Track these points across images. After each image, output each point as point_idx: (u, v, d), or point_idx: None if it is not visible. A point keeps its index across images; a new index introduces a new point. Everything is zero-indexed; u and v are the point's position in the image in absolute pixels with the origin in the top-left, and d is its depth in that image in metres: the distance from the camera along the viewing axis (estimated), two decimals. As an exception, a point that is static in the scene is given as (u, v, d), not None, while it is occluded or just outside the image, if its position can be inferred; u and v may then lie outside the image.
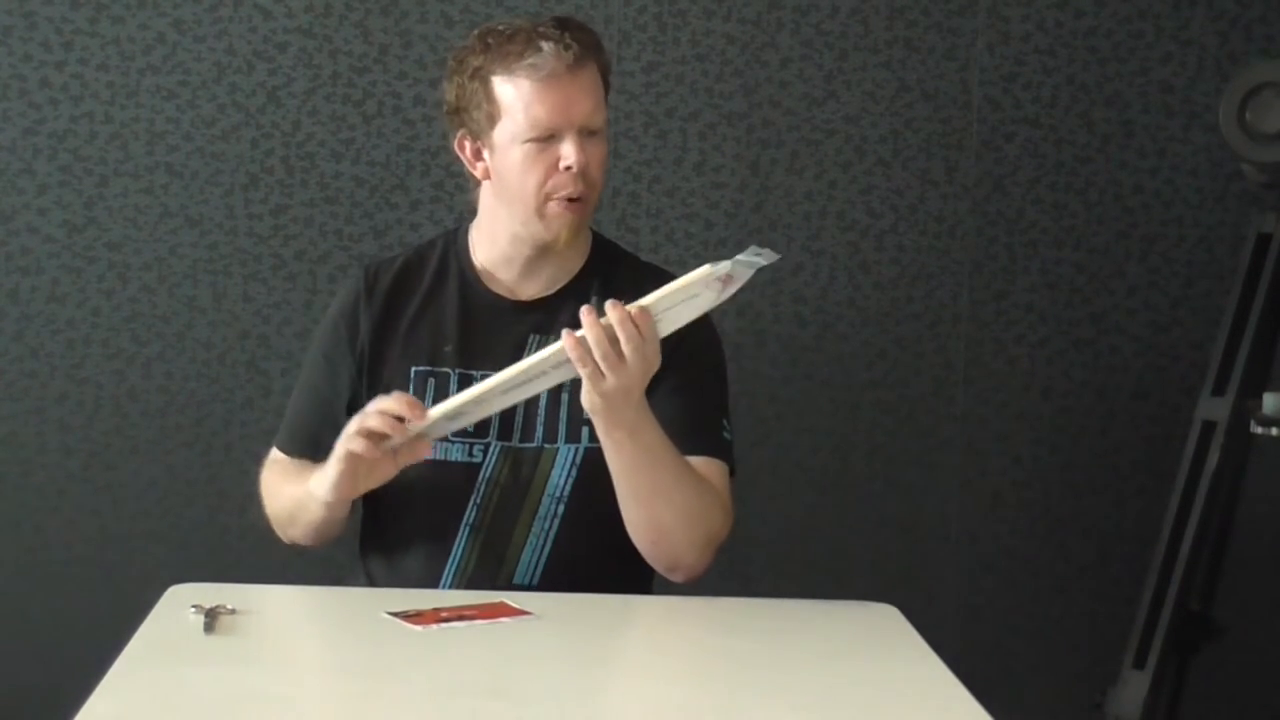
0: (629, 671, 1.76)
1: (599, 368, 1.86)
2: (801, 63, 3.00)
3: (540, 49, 2.03)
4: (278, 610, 1.96)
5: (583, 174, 2.05)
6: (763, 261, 1.88)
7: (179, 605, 1.89)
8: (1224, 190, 3.04)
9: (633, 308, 1.86)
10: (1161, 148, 3.04)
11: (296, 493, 2.11)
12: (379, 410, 1.94)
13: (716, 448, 2.10)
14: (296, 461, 2.19)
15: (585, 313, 1.87)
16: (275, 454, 2.24)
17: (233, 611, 1.86)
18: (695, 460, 2.06)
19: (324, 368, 2.19)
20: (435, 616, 1.88)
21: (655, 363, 1.89)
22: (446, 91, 2.14)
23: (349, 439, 1.96)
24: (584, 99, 2.05)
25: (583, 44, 2.06)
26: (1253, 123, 2.68)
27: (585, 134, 2.06)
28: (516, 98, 2.05)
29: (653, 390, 2.08)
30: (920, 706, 1.68)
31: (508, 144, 2.07)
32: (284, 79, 2.95)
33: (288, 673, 1.77)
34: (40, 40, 2.92)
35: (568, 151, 2.05)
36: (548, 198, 2.07)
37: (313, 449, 2.14)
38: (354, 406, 2.09)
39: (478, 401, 1.92)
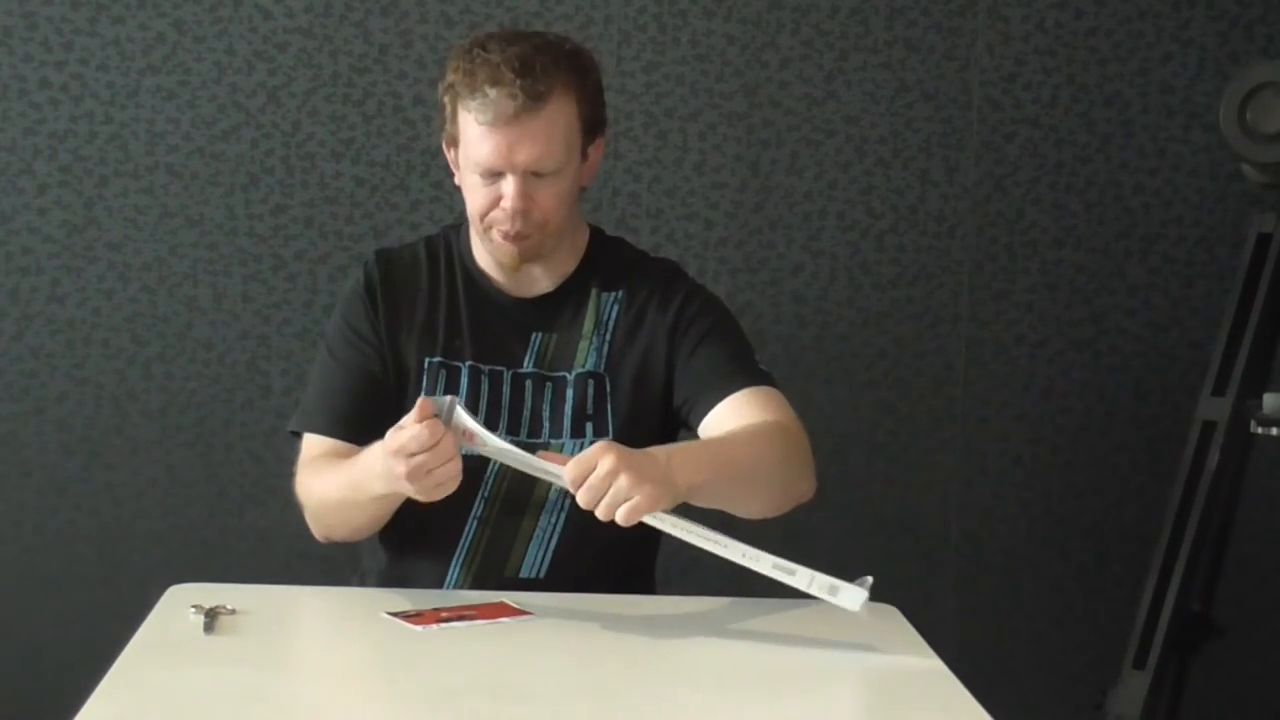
0: (629, 671, 1.76)
1: (608, 498, 1.82)
2: (802, 63, 3.00)
3: (487, 94, 2.03)
4: (278, 610, 1.96)
5: (522, 215, 2.06)
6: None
7: (179, 605, 1.89)
8: (1224, 190, 3.04)
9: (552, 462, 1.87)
10: (1162, 148, 3.04)
11: (349, 484, 2.05)
12: (427, 449, 1.86)
13: (758, 377, 2.12)
14: (341, 448, 2.11)
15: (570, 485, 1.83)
16: (315, 442, 2.14)
17: (233, 612, 1.86)
18: (744, 394, 2.08)
19: (357, 343, 2.15)
20: (435, 617, 1.88)
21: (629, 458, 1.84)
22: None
23: (422, 484, 1.88)
24: (529, 145, 2.04)
25: (535, 91, 2.02)
26: (1253, 123, 2.68)
27: (531, 176, 2.06)
28: (467, 132, 2.07)
29: (674, 362, 2.13)
30: (920, 706, 1.68)
31: (463, 167, 2.11)
32: (284, 79, 2.95)
33: (288, 673, 1.77)
34: (40, 40, 2.92)
35: (507, 191, 2.06)
36: (490, 226, 2.10)
37: (360, 428, 2.08)
38: (389, 384, 2.12)
39: (497, 452, 1.92)
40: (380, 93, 2.96)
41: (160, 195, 2.96)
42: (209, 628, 1.81)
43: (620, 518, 1.80)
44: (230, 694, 1.62)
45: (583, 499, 1.80)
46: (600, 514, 1.80)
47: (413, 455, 1.85)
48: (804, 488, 2.09)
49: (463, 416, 1.87)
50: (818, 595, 1.85)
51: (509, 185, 2.06)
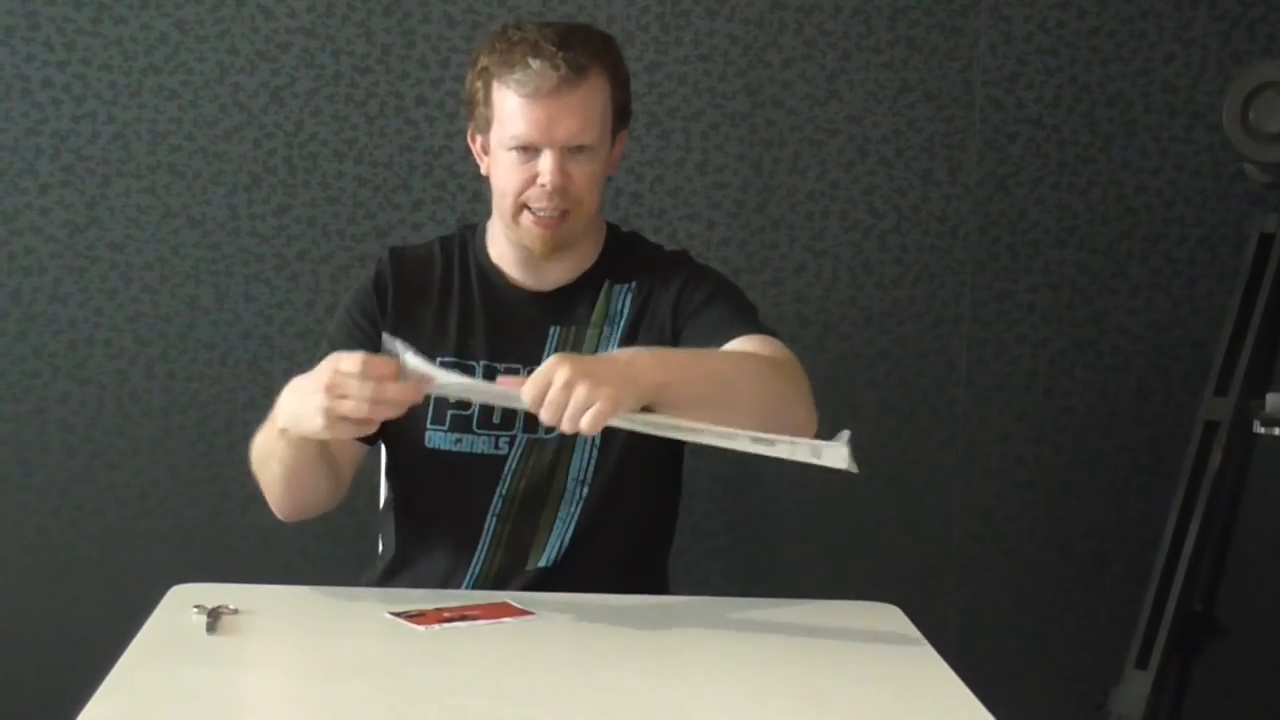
0: (630, 671, 1.76)
1: (569, 410, 1.76)
2: (804, 63, 3.00)
3: (529, 65, 2.04)
4: (280, 610, 1.96)
5: (560, 191, 2.06)
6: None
7: (181, 605, 1.89)
8: (1227, 190, 3.04)
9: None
10: (1164, 148, 3.04)
11: (267, 426, 2.00)
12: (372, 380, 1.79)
13: (758, 329, 2.09)
14: None
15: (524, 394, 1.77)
16: None
17: (235, 612, 1.86)
18: (740, 340, 2.05)
19: (356, 334, 2.15)
20: (437, 617, 1.88)
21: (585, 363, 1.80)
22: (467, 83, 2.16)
23: (338, 404, 1.79)
24: (569, 118, 2.05)
25: (576, 63, 2.04)
26: (1255, 123, 2.68)
27: (570, 150, 2.06)
28: (505, 108, 2.07)
29: (679, 338, 2.11)
30: (922, 706, 1.68)
31: (497, 148, 2.10)
32: (287, 79, 2.95)
33: (290, 673, 1.78)
34: (43, 40, 2.92)
35: (545, 168, 2.06)
36: (523, 207, 2.09)
37: None
38: None
39: (455, 387, 1.87)
40: (383, 93, 2.96)
41: (163, 195, 2.96)
42: (212, 628, 1.81)
43: (584, 427, 1.73)
44: (233, 694, 1.62)
45: (544, 416, 1.75)
46: (565, 428, 1.74)
47: (340, 370, 1.79)
48: (800, 416, 1.98)
49: (413, 360, 1.81)
50: (802, 460, 1.77)
51: (546, 161, 2.05)
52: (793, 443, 1.77)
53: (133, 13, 2.92)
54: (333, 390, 1.79)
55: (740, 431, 1.78)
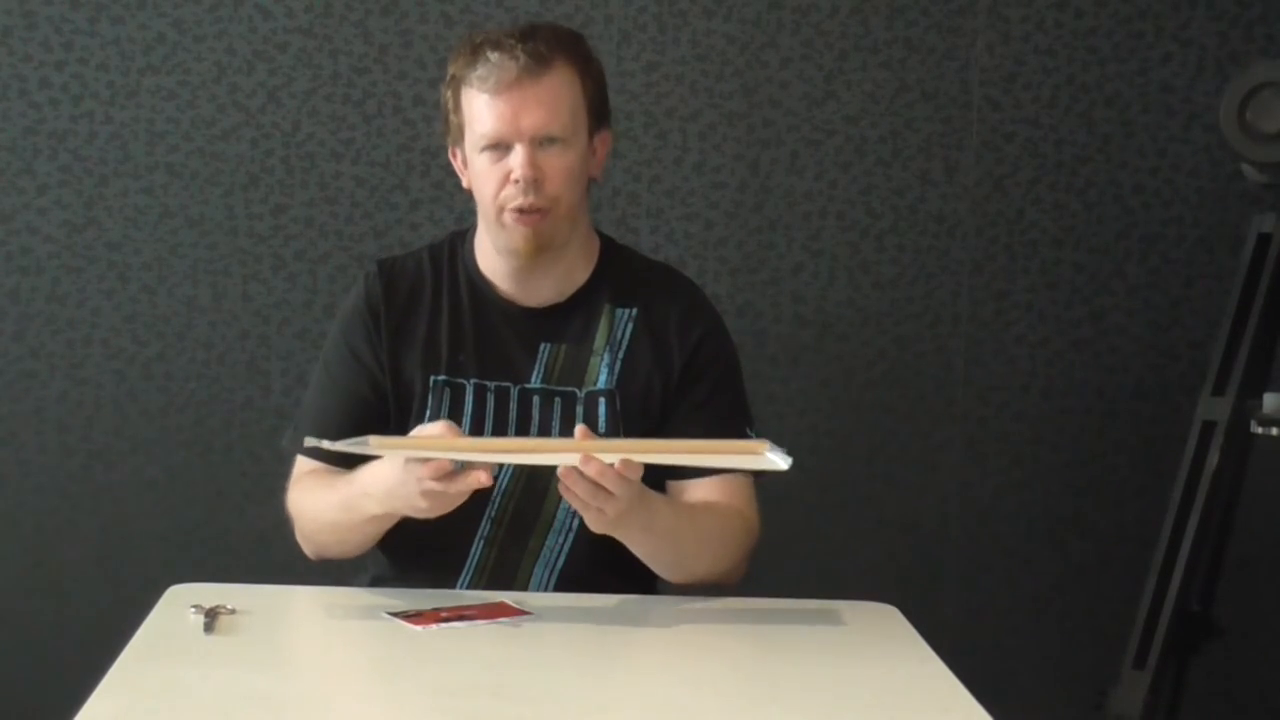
0: (629, 671, 1.76)
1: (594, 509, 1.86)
2: (801, 63, 3.00)
3: (489, 59, 2.03)
4: (278, 610, 1.96)
5: (533, 185, 2.03)
6: None
7: (179, 605, 1.89)
8: (1224, 190, 3.04)
9: (618, 460, 1.83)
10: (1162, 148, 3.04)
11: (341, 505, 2.04)
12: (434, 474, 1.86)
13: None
14: (332, 470, 2.09)
15: (566, 473, 1.84)
16: (305, 465, 2.13)
17: (233, 611, 1.86)
18: (717, 480, 2.07)
19: (353, 365, 2.13)
20: (435, 616, 1.88)
21: (637, 490, 1.88)
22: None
23: (420, 497, 1.89)
24: (534, 110, 2.02)
25: (538, 53, 2.02)
26: (1253, 122, 2.68)
27: (540, 143, 2.03)
28: (473, 109, 2.06)
29: (674, 410, 2.10)
30: (920, 707, 1.68)
31: (471, 153, 2.08)
32: (284, 79, 2.95)
33: (288, 673, 1.78)
34: (40, 40, 2.92)
35: (516, 162, 2.03)
36: (502, 208, 2.06)
37: (349, 456, 2.04)
38: (383, 408, 2.10)
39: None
40: (380, 93, 2.96)
41: (160, 195, 2.96)
42: (209, 628, 1.81)
43: (589, 519, 1.87)
44: (230, 694, 1.62)
45: (573, 496, 1.84)
46: (592, 516, 1.86)
47: (428, 491, 1.85)
48: (732, 578, 2.08)
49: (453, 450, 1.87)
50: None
51: (517, 155, 2.03)
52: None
53: (130, 13, 2.92)
54: (428, 497, 1.87)
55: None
